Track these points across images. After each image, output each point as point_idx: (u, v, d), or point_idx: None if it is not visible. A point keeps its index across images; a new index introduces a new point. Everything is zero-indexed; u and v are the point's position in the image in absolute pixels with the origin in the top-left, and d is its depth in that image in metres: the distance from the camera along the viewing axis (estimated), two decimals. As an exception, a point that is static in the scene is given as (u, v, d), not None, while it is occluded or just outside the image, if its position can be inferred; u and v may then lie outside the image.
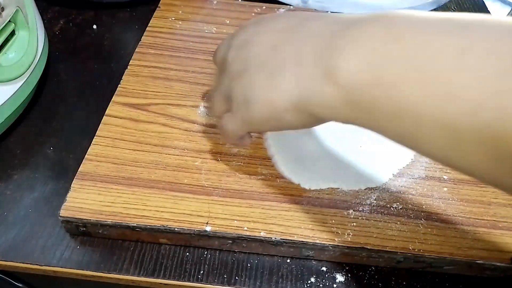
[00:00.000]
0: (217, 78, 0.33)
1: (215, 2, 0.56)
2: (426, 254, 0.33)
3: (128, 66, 0.46)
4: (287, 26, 0.29)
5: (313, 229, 0.34)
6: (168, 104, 0.43)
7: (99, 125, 0.40)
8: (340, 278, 0.34)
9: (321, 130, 0.41)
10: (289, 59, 0.27)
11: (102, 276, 0.33)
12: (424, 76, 0.21)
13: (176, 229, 0.33)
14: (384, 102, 0.22)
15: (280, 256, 0.35)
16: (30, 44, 0.42)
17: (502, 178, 0.21)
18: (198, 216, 0.34)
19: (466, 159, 0.21)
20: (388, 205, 0.36)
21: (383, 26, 0.23)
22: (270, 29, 0.30)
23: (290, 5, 0.57)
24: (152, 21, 0.52)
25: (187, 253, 0.35)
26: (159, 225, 0.33)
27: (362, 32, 0.24)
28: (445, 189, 0.38)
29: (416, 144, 0.23)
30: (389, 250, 0.33)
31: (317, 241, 0.33)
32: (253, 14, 0.54)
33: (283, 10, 0.55)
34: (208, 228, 0.33)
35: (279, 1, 0.57)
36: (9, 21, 0.40)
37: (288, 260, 0.35)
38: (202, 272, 0.34)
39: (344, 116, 0.25)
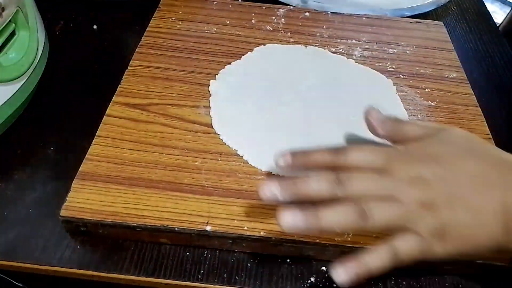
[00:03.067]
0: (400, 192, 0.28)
1: (215, 2, 0.56)
2: (426, 254, 0.33)
3: (128, 67, 0.46)
4: (485, 170, 0.30)
5: (313, 229, 0.34)
6: (168, 104, 0.43)
7: (99, 125, 0.40)
8: (340, 277, 0.34)
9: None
10: (493, 204, 0.28)
11: (102, 276, 0.33)
12: None
13: (176, 229, 0.33)
14: None
15: (280, 255, 0.35)
16: (31, 44, 0.42)
17: None
18: (198, 216, 0.34)
19: None
20: (388, 205, 0.36)
21: None
22: (468, 170, 0.30)
23: (290, 5, 0.57)
24: (153, 22, 0.52)
25: (187, 253, 0.35)
26: (159, 225, 0.33)
27: None
28: (445, 189, 0.38)
29: None
30: (389, 250, 0.33)
31: (317, 241, 0.33)
32: (253, 14, 0.54)
33: (283, 10, 0.55)
34: (208, 228, 0.33)
35: (279, 1, 0.57)
36: (10, 21, 0.40)
37: (288, 260, 0.35)
38: (202, 272, 0.34)
39: None
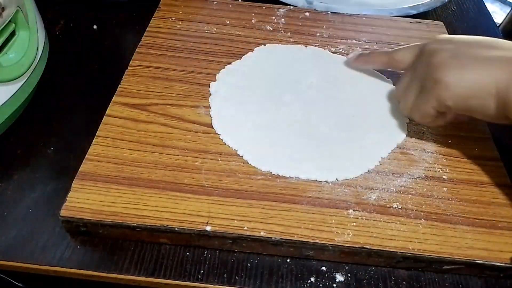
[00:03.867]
0: (409, 74, 0.40)
1: (215, 2, 0.56)
2: (425, 254, 0.33)
3: (128, 66, 0.46)
4: (480, 44, 0.36)
5: (312, 229, 0.34)
6: (168, 104, 0.43)
7: (99, 125, 0.40)
8: (340, 277, 0.34)
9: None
10: (499, 59, 0.33)
11: (102, 276, 0.33)
12: None
13: (176, 229, 0.33)
14: None
15: (280, 255, 0.35)
16: (31, 44, 0.42)
17: None
18: (198, 216, 0.34)
19: None
20: (388, 205, 0.36)
21: None
22: (475, 41, 0.36)
23: (291, 5, 0.57)
24: (152, 21, 0.52)
25: (187, 253, 0.35)
26: (159, 225, 0.33)
27: None
28: (445, 189, 0.38)
29: None
30: (388, 250, 0.33)
31: (317, 241, 0.33)
32: (253, 14, 0.54)
33: (283, 10, 0.55)
34: (208, 228, 0.33)
35: (280, 1, 0.57)
36: (10, 21, 0.40)
37: (288, 260, 0.35)
38: (202, 272, 0.34)
39: None
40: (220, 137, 0.40)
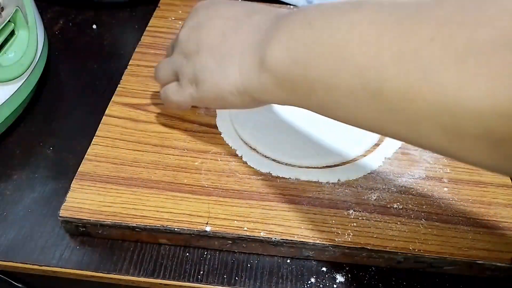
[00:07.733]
0: (170, 51, 0.37)
1: (215, 2, 0.56)
2: (426, 254, 0.33)
3: (128, 66, 0.46)
4: (236, 15, 0.33)
5: (313, 230, 0.34)
6: (168, 104, 0.43)
7: (98, 125, 0.40)
8: (340, 278, 0.34)
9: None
10: (235, 48, 0.31)
11: (101, 277, 0.33)
12: (325, 51, 0.24)
13: (176, 229, 0.33)
14: (302, 79, 0.26)
15: (280, 256, 0.35)
16: (30, 44, 0.42)
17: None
18: (198, 216, 0.34)
19: (365, 115, 0.24)
20: (389, 206, 0.36)
21: (301, 16, 0.27)
22: (220, 16, 0.33)
23: (291, 5, 0.57)
24: (152, 21, 0.52)
25: (187, 254, 0.35)
26: (158, 225, 0.33)
27: (285, 22, 0.28)
28: (445, 189, 0.38)
29: (331, 111, 0.26)
30: (389, 250, 0.33)
31: (317, 242, 0.33)
32: (253, 14, 0.54)
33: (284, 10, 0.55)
34: (208, 228, 0.33)
35: (280, 1, 0.57)
36: (9, 21, 0.40)
37: (288, 261, 0.35)
38: (202, 272, 0.34)
39: (278, 98, 0.29)
40: (221, 136, 0.40)
